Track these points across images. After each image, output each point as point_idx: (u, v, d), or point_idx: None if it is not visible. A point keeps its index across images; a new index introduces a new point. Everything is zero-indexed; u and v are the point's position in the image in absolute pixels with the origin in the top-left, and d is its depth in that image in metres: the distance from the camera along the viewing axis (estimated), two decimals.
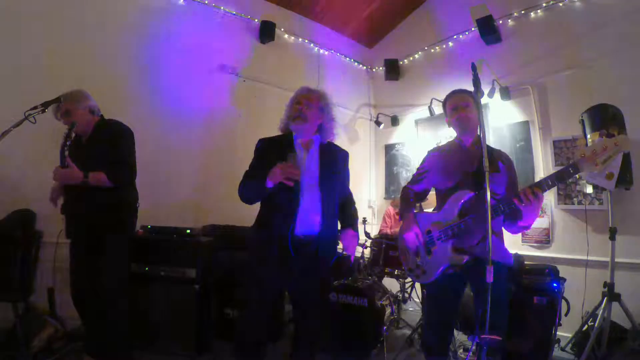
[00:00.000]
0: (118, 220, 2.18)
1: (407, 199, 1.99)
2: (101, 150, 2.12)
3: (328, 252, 1.89)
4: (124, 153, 2.17)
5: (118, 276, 2.16)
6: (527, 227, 1.74)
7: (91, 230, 2.11)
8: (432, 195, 2.07)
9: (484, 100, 3.68)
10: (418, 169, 2.04)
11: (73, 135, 2.00)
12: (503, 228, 1.83)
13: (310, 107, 1.87)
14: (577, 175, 3.19)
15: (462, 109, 1.84)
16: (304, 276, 1.83)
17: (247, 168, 1.94)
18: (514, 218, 1.72)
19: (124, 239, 2.23)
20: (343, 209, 1.99)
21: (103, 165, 2.07)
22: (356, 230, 1.97)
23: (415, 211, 1.95)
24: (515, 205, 1.59)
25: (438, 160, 1.96)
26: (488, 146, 1.89)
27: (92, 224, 2.10)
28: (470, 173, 1.78)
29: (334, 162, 1.94)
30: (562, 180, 1.56)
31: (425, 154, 2.07)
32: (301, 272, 1.82)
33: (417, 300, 3.72)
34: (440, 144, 2.12)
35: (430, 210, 2.01)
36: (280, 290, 2.03)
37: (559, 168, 1.61)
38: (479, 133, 1.83)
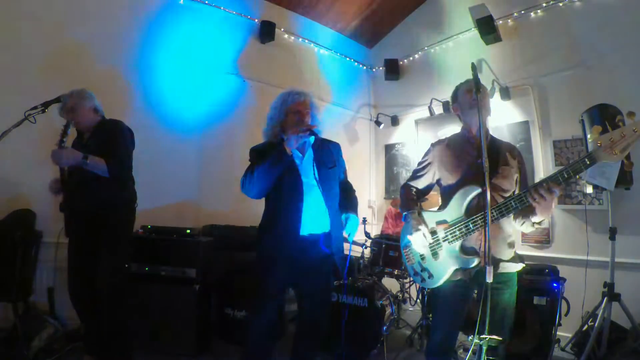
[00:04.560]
0: (116, 219, 2.18)
1: (409, 196, 1.87)
2: (100, 147, 2.12)
3: (337, 250, 1.88)
4: (120, 150, 2.17)
5: (117, 275, 2.16)
6: (540, 224, 1.65)
7: (90, 229, 2.11)
8: (433, 195, 2.03)
9: None
10: (419, 162, 1.90)
11: (70, 126, 2.02)
12: (515, 227, 1.72)
13: (308, 114, 1.88)
14: (577, 176, 3.21)
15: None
16: (311, 276, 1.84)
17: (247, 169, 1.90)
18: (527, 215, 1.63)
19: (122, 237, 2.23)
20: (343, 195, 1.98)
21: (107, 158, 2.07)
22: (356, 214, 1.94)
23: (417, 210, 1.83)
24: (529, 201, 1.49)
25: (442, 152, 1.81)
26: (496, 139, 1.82)
27: (91, 222, 2.10)
28: (477, 165, 1.61)
29: (329, 157, 1.93)
30: (579, 172, 1.45)
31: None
32: (309, 271, 1.83)
33: (418, 300, 3.72)
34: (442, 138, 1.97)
35: (434, 209, 1.87)
36: (286, 289, 2.02)
37: (560, 168, 1.54)
38: (486, 126, 1.71)
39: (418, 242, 1.71)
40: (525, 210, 1.61)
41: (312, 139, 1.89)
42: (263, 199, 1.93)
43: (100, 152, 2.08)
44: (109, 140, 2.15)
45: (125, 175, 2.23)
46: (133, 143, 2.29)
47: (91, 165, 2.02)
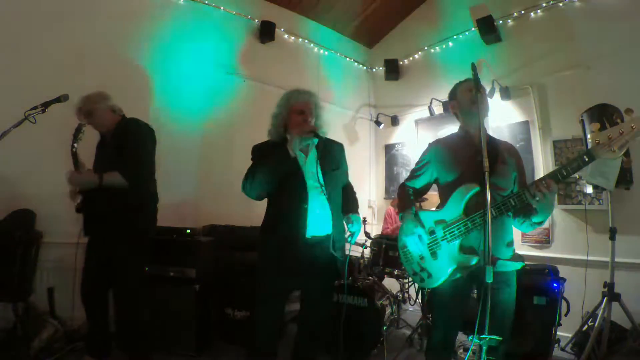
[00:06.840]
0: (137, 220, 2.17)
1: (406, 196, 1.87)
2: (122, 148, 2.13)
3: (339, 251, 1.87)
4: (139, 151, 2.17)
5: (138, 275, 2.18)
6: (541, 223, 1.64)
7: (110, 230, 2.10)
8: (433, 196, 2.02)
9: None
10: (417, 162, 1.90)
11: (80, 136, 2.03)
12: (514, 227, 1.72)
13: (312, 114, 1.87)
14: (577, 175, 3.22)
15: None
16: (314, 278, 1.84)
17: (247, 168, 1.91)
18: (527, 214, 1.62)
19: (143, 238, 2.23)
20: (345, 196, 1.98)
21: (125, 162, 2.08)
22: (359, 214, 1.95)
23: (415, 210, 1.82)
24: (528, 199, 1.49)
25: (440, 151, 1.81)
26: (494, 138, 1.81)
27: (111, 223, 2.10)
28: (475, 164, 1.57)
29: (332, 158, 1.94)
30: (577, 169, 1.44)
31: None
32: (312, 274, 1.82)
33: (418, 300, 3.71)
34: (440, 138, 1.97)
35: (433, 208, 1.87)
36: (290, 291, 2.02)
37: (559, 165, 1.54)
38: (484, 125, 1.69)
39: (414, 242, 1.72)
40: (525, 210, 1.60)
41: (315, 140, 1.89)
42: (265, 201, 1.93)
43: (123, 154, 2.09)
44: (130, 144, 2.14)
45: (145, 178, 2.22)
46: (154, 141, 2.28)
47: (108, 183, 2.04)
